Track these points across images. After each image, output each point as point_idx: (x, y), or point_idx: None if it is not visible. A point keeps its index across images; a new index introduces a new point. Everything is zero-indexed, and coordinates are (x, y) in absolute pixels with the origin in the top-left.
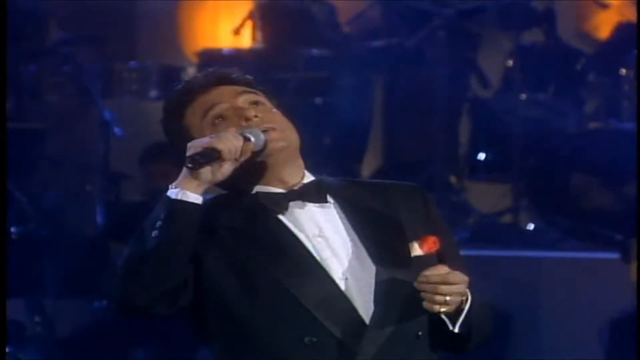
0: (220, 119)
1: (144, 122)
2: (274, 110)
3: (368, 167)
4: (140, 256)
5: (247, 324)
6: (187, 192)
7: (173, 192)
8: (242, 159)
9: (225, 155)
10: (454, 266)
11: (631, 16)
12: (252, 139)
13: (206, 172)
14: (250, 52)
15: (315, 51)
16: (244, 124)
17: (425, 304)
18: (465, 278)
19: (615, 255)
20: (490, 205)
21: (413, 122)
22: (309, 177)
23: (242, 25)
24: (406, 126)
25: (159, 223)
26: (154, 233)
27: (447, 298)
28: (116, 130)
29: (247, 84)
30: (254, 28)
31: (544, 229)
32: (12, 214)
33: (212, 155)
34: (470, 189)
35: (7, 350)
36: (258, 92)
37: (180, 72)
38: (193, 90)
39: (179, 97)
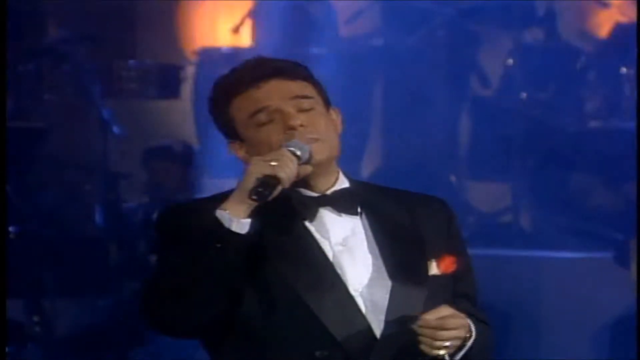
0: (267, 121)
1: (143, 122)
2: (322, 115)
3: (368, 167)
4: (189, 283)
5: (260, 333)
6: (241, 221)
7: (228, 220)
8: (295, 179)
9: (285, 184)
10: (463, 288)
11: (631, 15)
12: (299, 153)
13: None
14: (250, 51)
15: (315, 51)
16: (287, 132)
17: (423, 347)
18: (465, 322)
19: (614, 255)
20: (490, 205)
21: (413, 122)
22: (342, 182)
23: (241, 24)
24: (406, 126)
25: (212, 252)
26: (206, 262)
27: (447, 343)
28: (115, 129)
29: (304, 77)
30: (253, 27)
31: (544, 229)
32: (11, 214)
33: (274, 185)
34: (470, 189)
35: (7, 350)
36: (312, 92)
37: (179, 71)
38: (243, 82)
39: (229, 86)
